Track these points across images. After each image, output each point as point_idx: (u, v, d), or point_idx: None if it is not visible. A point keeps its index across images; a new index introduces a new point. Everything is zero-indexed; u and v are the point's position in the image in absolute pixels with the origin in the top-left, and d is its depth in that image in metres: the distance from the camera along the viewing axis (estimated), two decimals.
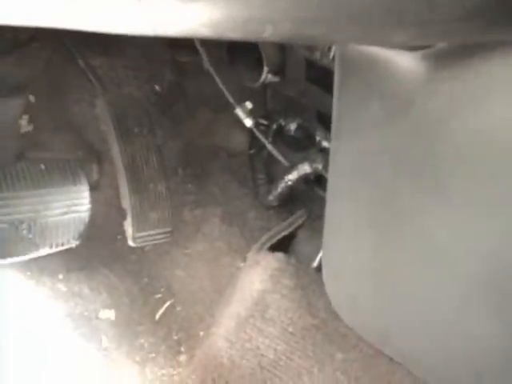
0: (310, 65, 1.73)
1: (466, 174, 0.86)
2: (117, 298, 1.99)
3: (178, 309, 2.06)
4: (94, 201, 1.79)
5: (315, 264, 1.98)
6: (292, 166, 2.00)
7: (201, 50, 1.88)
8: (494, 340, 0.95)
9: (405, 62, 0.86)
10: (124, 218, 1.89)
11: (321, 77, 1.68)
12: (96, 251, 2.01)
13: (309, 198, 2.16)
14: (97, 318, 1.95)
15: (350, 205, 1.14)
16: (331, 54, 1.57)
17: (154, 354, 1.96)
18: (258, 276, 1.89)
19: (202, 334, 1.99)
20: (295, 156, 2.03)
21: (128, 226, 1.88)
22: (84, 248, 1.86)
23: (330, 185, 1.20)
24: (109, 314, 1.96)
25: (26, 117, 1.89)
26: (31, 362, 1.83)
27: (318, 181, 2.06)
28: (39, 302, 1.90)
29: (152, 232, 1.89)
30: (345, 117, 1.08)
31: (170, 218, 1.91)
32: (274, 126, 2.11)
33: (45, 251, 1.73)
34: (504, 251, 0.86)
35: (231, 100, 1.92)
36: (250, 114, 1.93)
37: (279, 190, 2.09)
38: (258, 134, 1.98)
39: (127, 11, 0.59)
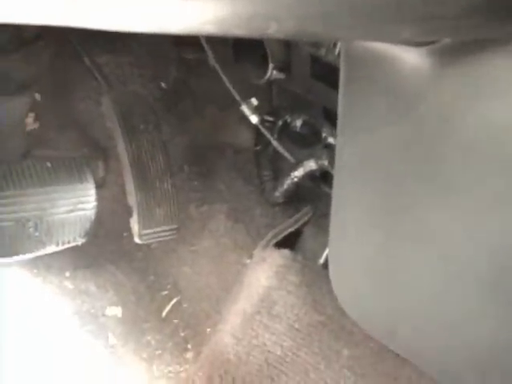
0: (316, 61, 1.73)
1: (473, 169, 0.85)
2: (123, 295, 2.00)
3: (185, 306, 2.06)
4: (100, 198, 1.79)
5: (321, 261, 1.98)
6: (298, 163, 2.00)
7: (206, 47, 1.88)
8: (502, 337, 0.95)
9: (410, 57, 0.86)
10: (130, 215, 1.89)
11: (326, 73, 1.68)
12: (102, 249, 2.01)
13: (315, 194, 2.16)
14: (103, 315, 1.95)
15: (356, 201, 1.13)
16: (336, 51, 1.56)
17: (160, 351, 1.96)
18: (264, 273, 1.90)
19: (208, 330, 1.99)
20: (301, 152, 2.02)
21: (134, 224, 1.88)
22: (90, 246, 1.87)
23: (335, 181, 1.20)
24: (115, 311, 1.97)
25: (31, 115, 1.89)
26: (38, 359, 1.83)
27: (323, 177, 2.05)
28: (46, 300, 1.90)
29: (158, 229, 1.89)
30: (350, 113, 1.08)
31: (176, 215, 1.91)
32: (280, 123, 2.11)
33: (51, 249, 1.73)
34: None
35: (237, 97, 1.92)
36: (256, 110, 1.93)
37: (285, 186, 2.09)
38: (263, 130, 1.98)
39: (132, 8, 0.59)
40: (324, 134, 1.96)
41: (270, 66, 1.80)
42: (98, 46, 2.06)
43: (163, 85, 2.22)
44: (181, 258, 2.11)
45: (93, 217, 1.78)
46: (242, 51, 1.90)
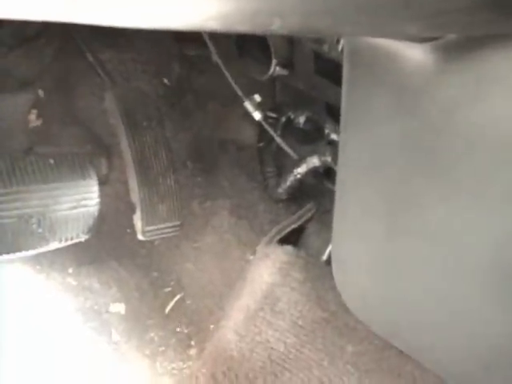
0: (319, 57, 1.73)
1: (477, 165, 0.85)
2: (127, 291, 2.00)
3: (188, 302, 2.06)
4: (103, 195, 1.80)
5: (324, 257, 1.98)
6: (301, 159, 2.00)
7: (209, 43, 1.88)
8: (505, 333, 0.95)
9: (414, 54, 0.86)
10: (133, 211, 1.89)
11: (329, 69, 1.68)
12: (105, 245, 2.01)
13: (318, 191, 2.16)
14: (107, 311, 1.95)
15: (359, 197, 1.13)
16: (340, 47, 1.56)
17: (163, 348, 1.96)
18: (268, 269, 1.90)
19: (211, 327, 2.00)
20: (304, 149, 2.02)
21: (137, 220, 1.88)
22: (93, 242, 1.87)
23: (339, 178, 1.20)
24: (119, 307, 1.97)
25: (34, 111, 1.89)
26: (41, 355, 1.84)
27: (327, 174, 2.05)
28: (49, 296, 1.90)
29: (161, 225, 1.90)
30: (354, 109, 1.07)
31: (179, 212, 1.92)
32: (283, 119, 2.11)
33: (54, 245, 1.73)
34: None
35: (240, 93, 1.91)
36: (259, 107, 1.93)
37: (288, 183, 2.09)
38: (266, 127, 1.98)
39: (135, 4, 0.59)
40: (327, 131, 1.96)
41: (274, 62, 1.80)
42: (100, 42, 2.06)
43: (166, 81, 2.22)
44: (184, 255, 2.11)
45: (96, 213, 1.78)
46: (244, 47, 1.90)
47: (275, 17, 0.59)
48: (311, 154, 1.96)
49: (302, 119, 2.08)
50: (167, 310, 2.03)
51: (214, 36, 1.87)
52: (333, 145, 1.93)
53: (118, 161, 1.99)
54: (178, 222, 1.92)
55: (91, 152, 1.94)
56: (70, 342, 1.89)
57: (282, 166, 2.22)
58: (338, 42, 1.56)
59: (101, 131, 2.03)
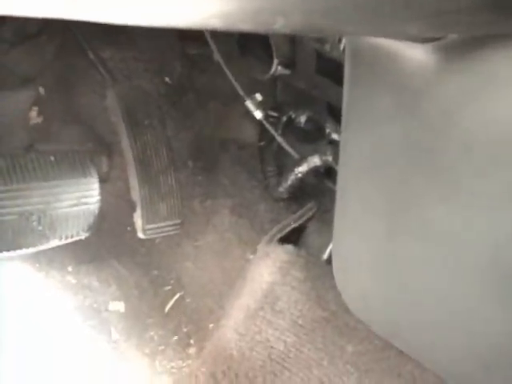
0: (321, 57, 1.73)
1: (477, 165, 0.85)
2: (126, 290, 2.00)
3: (188, 301, 2.06)
4: (103, 193, 1.79)
5: (325, 256, 1.98)
6: (302, 159, 2.00)
7: (211, 42, 1.88)
8: (505, 333, 0.95)
9: (415, 54, 0.86)
10: (134, 210, 1.89)
11: (331, 69, 1.68)
12: (105, 243, 2.01)
13: (319, 190, 2.16)
14: (106, 310, 1.95)
15: (360, 197, 1.13)
16: (341, 47, 1.56)
17: (163, 347, 1.96)
18: (268, 268, 1.90)
19: (211, 326, 2.00)
20: (305, 148, 2.02)
21: (138, 218, 1.88)
22: (93, 240, 1.87)
23: (340, 177, 1.20)
24: (118, 306, 1.97)
25: (35, 108, 1.89)
26: (40, 354, 1.83)
27: (327, 173, 2.06)
28: (48, 295, 1.90)
29: (162, 224, 1.90)
30: (355, 109, 1.07)
31: (180, 210, 1.92)
32: (284, 119, 2.11)
33: (54, 243, 1.73)
34: None
35: (241, 92, 1.92)
36: (260, 106, 1.93)
37: (289, 182, 2.09)
38: (267, 126, 1.98)
39: (139, 2, 0.59)
40: (328, 130, 1.96)
41: (275, 61, 1.80)
42: (102, 40, 2.06)
43: (168, 80, 2.22)
44: (184, 253, 2.11)
45: (96, 211, 1.78)
46: (246, 46, 1.90)
47: (278, 15, 0.59)
48: (312, 153, 1.96)
49: (303, 118, 2.08)
50: (167, 308, 2.03)
51: (216, 35, 1.87)
52: (334, 144, 1.93)
53: (119, 159, 1.99)
54: (178, 221, 1.93)
55: (92, 150, 1.95)
56: (69, 340, 1.89)
57: (283, 165, 2.23)
58: (339, 41, 1.56)
59: (102, 129, 2.03)
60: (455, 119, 0.85)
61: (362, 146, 1.08)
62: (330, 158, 1.91)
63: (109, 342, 1.92)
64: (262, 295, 1.85)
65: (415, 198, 0.98)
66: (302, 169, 2.01)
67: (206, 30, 1.82)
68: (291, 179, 2.07)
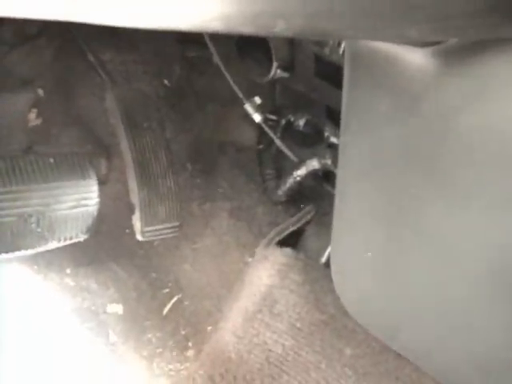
0: (320, 60, 1.73)
1: (476, 168, 0.85)
2: (124, 292, 2.00)
3: (186, 303, 2.06)
4: (102, 195, 1.79)
5: (323, 259, 1.98)
6: (300, 162, 2.00)
7: (210, 44, 1.88)
8: (503, 337, 0.95)
9: (415, 58, 0.86)
10: (132, 212, 1.89)
11: (330, 72, 1.68)
12: (104, 245, 2.01)
13: (317, 193, 2.16)
14: (104, 312, 1.95)
15: (358, 200, 1.13)
16: (341, 50, 1.56)
17: (161, 349, 1.96)
18: (266, 271, 1.90)
19: (209, 328, 2.00)
20: (304, 151, 2.02)
21: (136, 221, 1.88)
22: (92, 242, 1.86)
23: (338, 180, 1.20)
24: (116, 308, 1.97)
25: (34, 110, 1.89)
26: (38, 356, 1.83)
27: (326, 176, 2.06)
28: (46, 297, 1.90)
29: (160, 226, 1.90)
30: (354, 112, 1.08)
31: (179, 213, 1.92)
32: (283, 122, 2.11)
33: (53, 245, 1.73)
34: None
35: (240, 95, 1.92)
36: (259, 109, 1.93)
37: (288, 185, 2.09)
38: (266, 129, 1.98)
39: (139, 5, 0.59)
40: (327, 134, 1.96)
41: (274, 64, 1.80)
42: (101, 42, 2.05)
43: (167, 82, 2.22)
44: (183, 256, 2.11)
45: (95, 213, 1.78)
46: (245, 49, 1.90)
47: (279, 18, 0.59)
48: (311, 156, 1.96)
49: (301, 122, 2.08)
50: (165, 311, 2.03)
51: (215, 37, 1.87)
52: (332, 148, 1.93)
53: (118, 161, 1.99)
54: (177, 223, 1.93)
55: (91, 152, 1.94)
56: (68, 342, 1.89)
57: (282, 169, 2.23)
58: (339, 45, 1.56)
59: (101, 131, 2.03)
60: (454, 123, 0.85)
61: (361, 150, 1.08)
62: (328, 162, 1.91)
63: (107, 344, 1.92)
64: (260, 298, 1.85)
65: (414, 202, 0.98)
66: (301, 172, 2.01)
67: (206, 33, 1.83)
68: (290, 182, 2.08)
